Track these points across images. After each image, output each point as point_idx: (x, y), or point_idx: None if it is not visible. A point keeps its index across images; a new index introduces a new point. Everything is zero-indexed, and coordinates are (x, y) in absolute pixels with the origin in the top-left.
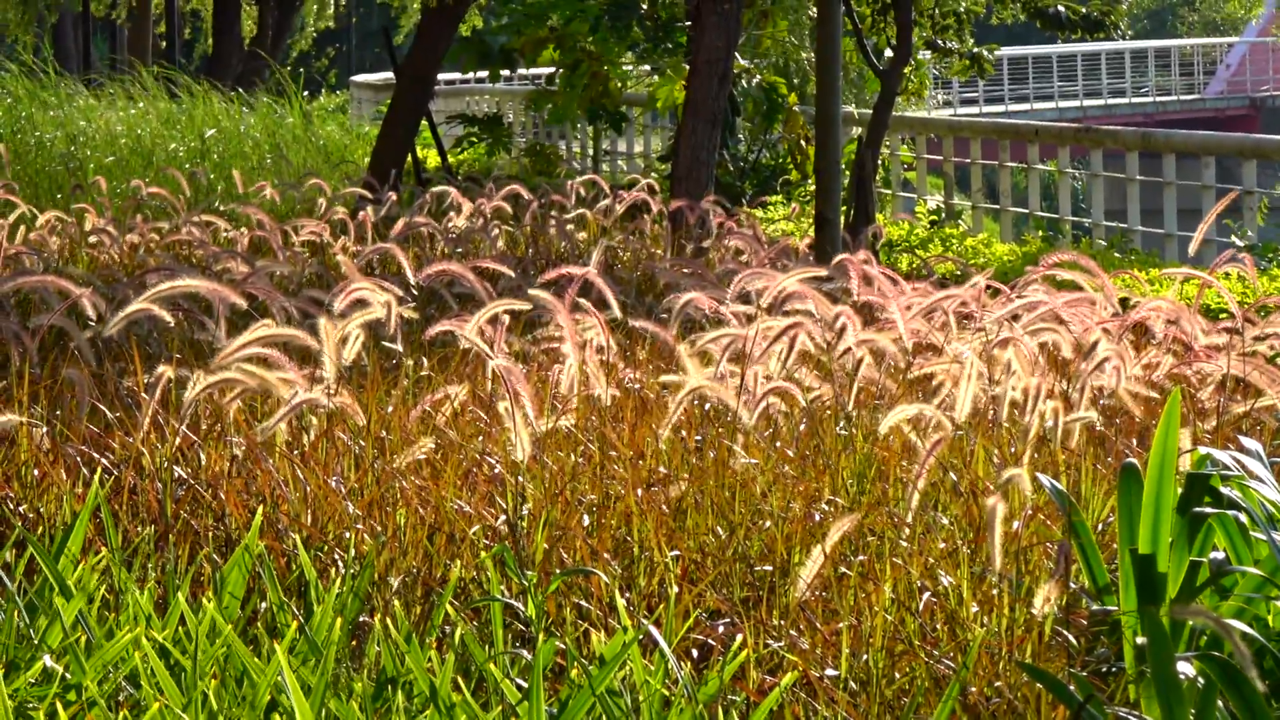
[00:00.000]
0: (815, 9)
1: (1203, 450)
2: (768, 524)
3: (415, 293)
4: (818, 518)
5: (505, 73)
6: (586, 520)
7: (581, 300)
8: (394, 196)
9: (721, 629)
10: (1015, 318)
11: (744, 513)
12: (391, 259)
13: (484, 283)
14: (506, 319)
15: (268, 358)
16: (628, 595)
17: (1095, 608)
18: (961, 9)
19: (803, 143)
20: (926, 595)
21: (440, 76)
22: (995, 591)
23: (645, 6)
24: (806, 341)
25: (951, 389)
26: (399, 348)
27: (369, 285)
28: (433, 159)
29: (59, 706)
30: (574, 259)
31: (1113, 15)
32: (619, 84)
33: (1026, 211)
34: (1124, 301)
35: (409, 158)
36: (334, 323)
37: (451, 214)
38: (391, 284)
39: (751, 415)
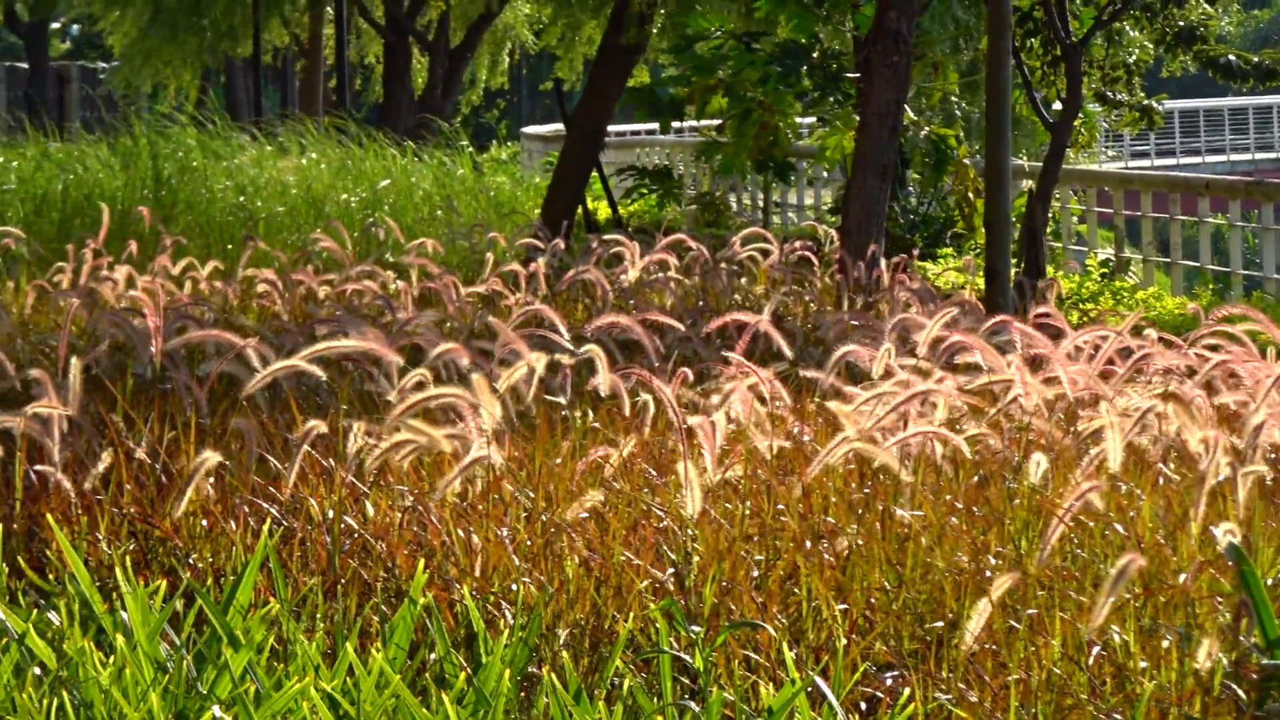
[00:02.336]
0: (985, 63)
1: None
2: (936, 576)
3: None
4: (986, 572)
5: (675, 124)
6: (754, 573)
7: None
8: (564, 247)
9: (889, 681)
10: (1191, 372)
11: (912, 565)
12: (562, 308)
13: (652, 335)
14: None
15: (435, 413)
16: (795, 648)
17: (1265, 662)
18: (1131, 60)
19: (970, 195)
20: (1095, 649)
21: (610, 128)
22: (1164, 645)
23: (815, 55)
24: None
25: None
26: (563, 400)
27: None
28: (603, 210)
29: None
30: (743, 310)
31: None
32: (788, 134)
33: (1197, 265)
34: None
35: (579, 209)
36: (498, 374)
37: (620, 264)
38: (558, 336)
39: (903, 464)
